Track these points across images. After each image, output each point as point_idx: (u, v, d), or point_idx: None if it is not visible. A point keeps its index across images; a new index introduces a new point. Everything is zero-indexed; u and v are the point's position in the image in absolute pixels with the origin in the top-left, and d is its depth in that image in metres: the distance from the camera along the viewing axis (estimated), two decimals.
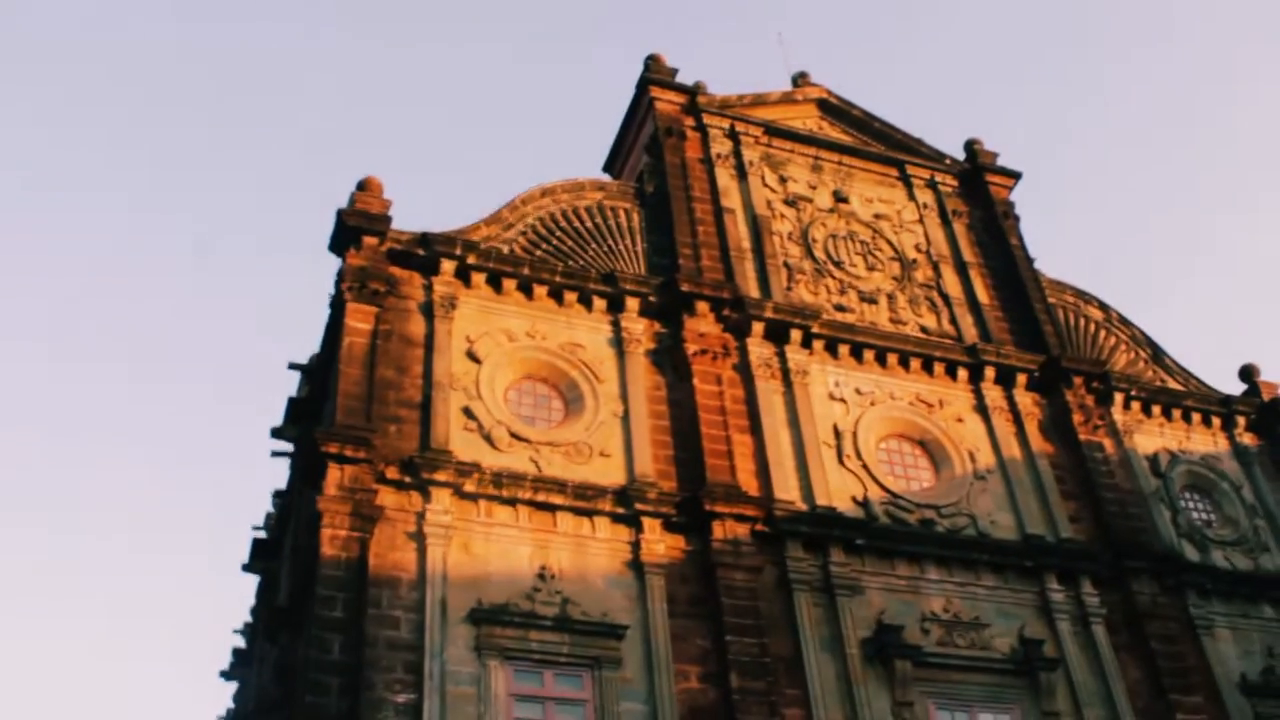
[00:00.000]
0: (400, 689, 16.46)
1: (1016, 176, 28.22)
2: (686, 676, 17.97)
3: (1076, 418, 23.91)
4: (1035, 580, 21.22)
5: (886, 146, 27.90)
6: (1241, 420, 25.94)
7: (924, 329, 24.61)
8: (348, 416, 18.44)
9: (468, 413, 19.53)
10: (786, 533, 19.78)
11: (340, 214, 20.45)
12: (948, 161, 28.17)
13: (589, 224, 23.34)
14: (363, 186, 21.37)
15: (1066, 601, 21.15)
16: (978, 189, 28.05)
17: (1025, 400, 24.07)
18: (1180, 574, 22.26)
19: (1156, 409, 25.36)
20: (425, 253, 20.86)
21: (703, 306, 21.97)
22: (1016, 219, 27.77)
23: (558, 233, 22.88)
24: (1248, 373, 26.92)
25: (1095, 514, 22.72)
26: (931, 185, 27.70)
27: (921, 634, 19.77)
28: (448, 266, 20.91)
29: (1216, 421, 25.88)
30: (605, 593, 18.34)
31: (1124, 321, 27.23)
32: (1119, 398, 24.93)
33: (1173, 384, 26.35)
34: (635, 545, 18.87)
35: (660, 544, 18.99)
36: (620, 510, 19.02)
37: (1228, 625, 22.32)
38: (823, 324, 23.06)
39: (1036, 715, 19.57)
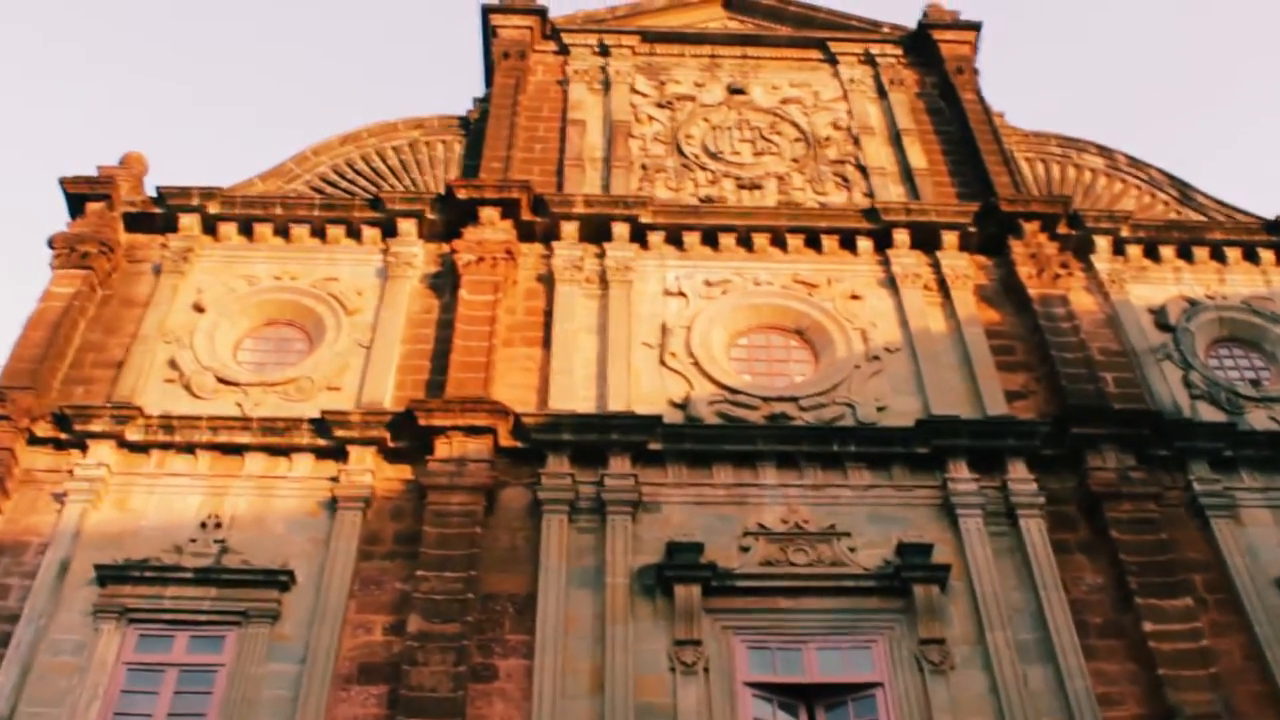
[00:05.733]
0: None
1: (975, 28, 22.47)
2: (369, 628, 13.68)
3: (1025, 271, 17.77)
4: (935, 471, 15.30)
5: (809, 29, 23.10)
6: None
7: (824, 205, 19.38)
8: (9, 380, 15.93)
9: (173, 364, 16.59)
10: (544, 444, 15.22)
11: (62, 182, 18.49)
12: (885, 30, 22.91)
13: (393, 162, 20.19)
14: (123, 163, 19.44)
15: (979, 493, 15.02)
16: (930, 53, 22.59)
17: (958, 264, 18.18)
18: (1177, 439, 15.50)
19: (1168, 250, 18.52)
20: (162, 210, 18.46)
21: (489, 213, 18.08)
22: (975, 72, 21.97)
23: (351, 175, 19.83)
24: None
25: (1054, 385, 16.44)
26: (869, 60, 22.50)
27: (738, 553, 14.41)
28: (187, 221, 18.31)
29: (1267, 256, 18.59)
30: (283, 538, 14.49)
31: (1136, 164, 20.54)
32: (1103, 243, 18.44)
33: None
34: (337, 481, 15.02)
35: (368, 475, 14.98)
36: (322, 442, 15.24)
37: (1266, 503, 15.17)
38: (657, 210, 18.52)
39: (911, 645, 13.60)
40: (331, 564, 14.08)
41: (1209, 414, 16.28)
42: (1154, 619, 13.61)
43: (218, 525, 14.59)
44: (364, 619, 13.75)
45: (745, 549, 14.45)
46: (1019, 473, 15.16)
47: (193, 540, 14.41)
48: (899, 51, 22.68)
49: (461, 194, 18.14)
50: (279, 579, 13.92)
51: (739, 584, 13.99)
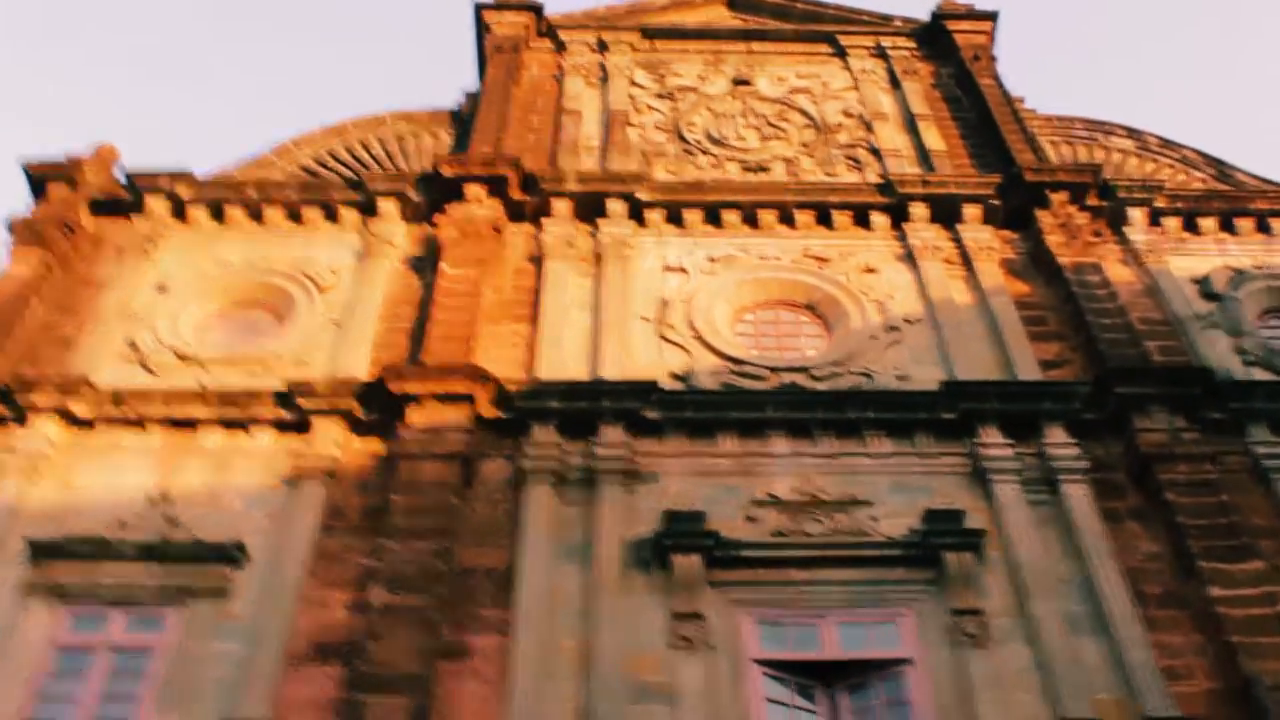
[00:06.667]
0: None
1: (991, 18, 21.48)
2: (328, 605, 12.12)
3: (1054, 240, 16.40)
4: (963, 438, 13.75)
5: (816, 24, 22.13)
6: None
7: (835, 182, 18.10)
8: None
9: (131, 344, 15.32)
10: (529, 413, 13.79)
11: (25, 165, 17.46)
12: (897, 23, 21.94)
13: (378, 153, 19.15)
14: (94, 154, 18.40)
15: (1014, 459, 13.47)
16: (944, 45, 21.54)
17: (981, 236, 16.85)
18: (1233, 400, 13.93)
19: (1208, 222, 17.13)
20: (130, 195, 17.38)
21: (475, 190, 16.89)
22: (993, 59, 20.93)
23: (334, 165, 18.79)
24: None
25: (1091, 352, 14.94)
26: (880, 53, 21.46)
27: (745, 523, 12.84)
28: (156, 205, 17.21)
29: None
30: (239, 514, 13.01)
31: (1168, 144, 19.31)
32: (1138, 214, 17.10)
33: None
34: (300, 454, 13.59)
35: (335, 447, 13.53)
36: (286, 415, 13.86)
37: None
38: (655, 187, 17.32)
39: (944, 618, 11.94)
40: (288, 538, 12.59)
41: (1265, 379, 14.73)
42: (1222, 584, 11.92)
43: (167, 501, 13.15)
44: (323, 595, 12.18)
45: (753, 519, 12.88)
46: (1058, 437, 13.61)
47: (140, 516, 12.95)
48: (912, 44, 21.65)
49: (447, 170, 16.98)
50: (230, 554, 12.42)
51: (746, 554, 12.39)
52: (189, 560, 12.42)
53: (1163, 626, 11.88)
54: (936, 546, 12.30)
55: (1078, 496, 13.01)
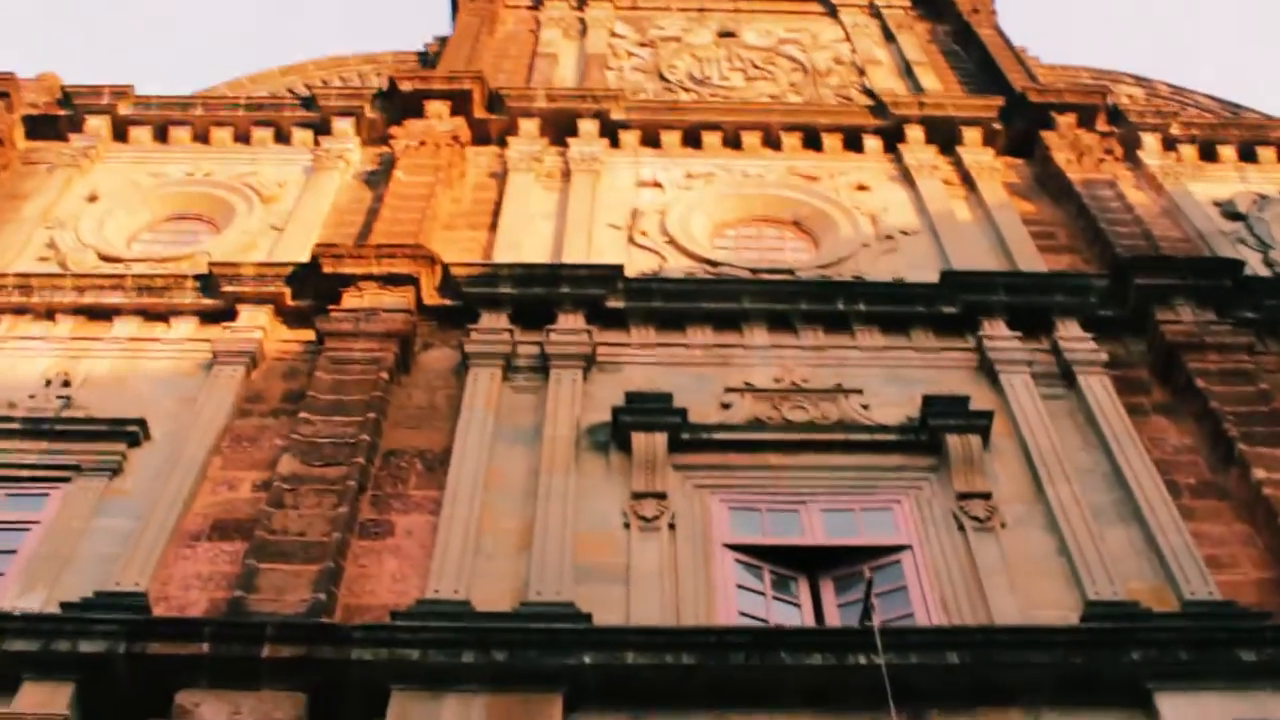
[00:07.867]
0: None
1: None
2: (234, 485, 10.50)
3: (1063, 157, 15.09)
4: (966, 334, 12.24)
5: None
6: None
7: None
8: None
9: (51, 245, 13.93)
10: (478, 299, 12.30)
11: None
12: None
13: None
14: (37, 79, 17.30)
15: (1024, 351, 11.96)
16: (941, 3, 20.47)
17: (983, 159, 15.53)
18: (1266, 297, 12.43)
19: (1227, 150, 15.82)
20: (68, 112, 16.15)
21: (436, 107, 15.68)
22: (993, 13, 19.90)
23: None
24: None
25: (1107, 262, 13.45)
26: (874, 12, 20.38)
27: (719, 409, 11.28)
28: (95, 124, 15.98)
29: None
30: (145, 398, 11.44)
31: (1179, 90, 18.16)
32: (1151, 140, 15.81)
33: None
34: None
35: (258, 331, 12.02)
36: (209, 302, 12.38)
37: None
38: (631, 106, 16.10)
39: (946, 503, 10.32)
40: (196, 416, 11.03)
41: None
42: (1265, 467, 10.32)
43: (65, 384, 11.61)
44: (230, 475, 10.57)
45: (727, 405, 11.33)
46: (1070, 331, 12.09)
47: (31, 397, 11.42)
48: (907, 3, 20.63)
49: (405, 85, 15.81)
50: (126, 430, 10.84)
51: (716, 436, 10.83)
52: (81, 438, 10.84)
53: (1201, 516, 10.24)
54: (938, 429, 10.71)
55: (1098, 388, 11.42)
